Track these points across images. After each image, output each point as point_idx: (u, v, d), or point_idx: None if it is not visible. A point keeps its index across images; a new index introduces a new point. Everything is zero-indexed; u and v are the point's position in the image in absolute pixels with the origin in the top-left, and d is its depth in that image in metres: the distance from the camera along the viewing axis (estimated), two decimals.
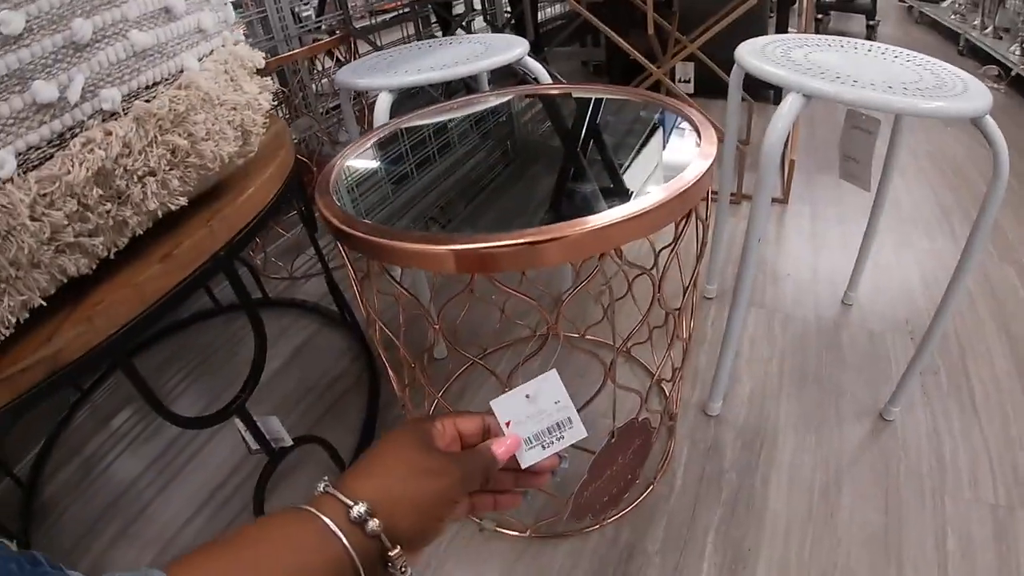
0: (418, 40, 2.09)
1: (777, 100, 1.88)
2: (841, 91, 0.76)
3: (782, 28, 1.99)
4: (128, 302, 0.61)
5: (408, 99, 1.88)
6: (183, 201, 0.65)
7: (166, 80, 0.61)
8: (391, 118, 0.91)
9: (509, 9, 2.20)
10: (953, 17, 2.97)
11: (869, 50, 0.94)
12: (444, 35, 2.00)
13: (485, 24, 2.31)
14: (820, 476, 0.92)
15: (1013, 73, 2.28)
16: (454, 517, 0.41)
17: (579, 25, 1.60)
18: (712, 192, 1.45)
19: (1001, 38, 2.52)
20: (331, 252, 1.54)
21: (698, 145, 0.66)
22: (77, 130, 0.55)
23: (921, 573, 0.80)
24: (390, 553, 0.35)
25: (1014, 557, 0.81)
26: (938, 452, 0.96)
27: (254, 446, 0.82)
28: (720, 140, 0.96)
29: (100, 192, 0.57)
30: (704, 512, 0.89)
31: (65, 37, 0.51)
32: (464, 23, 2.12)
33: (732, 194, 1.49)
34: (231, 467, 1.04)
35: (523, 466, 0.46)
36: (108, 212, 0.59)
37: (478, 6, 2.36)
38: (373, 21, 1.93)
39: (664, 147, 0.81)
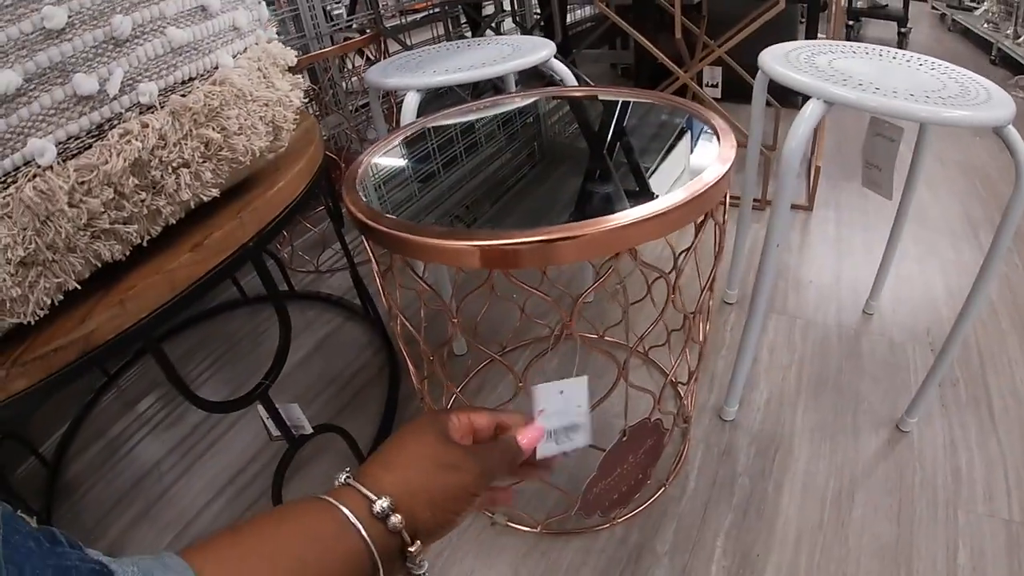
0: (447, 40, 2.11)
1: None
2: (863, 98, 0.76)
3: (811, 34, 1.97)
4: (159, 288, 0.63)
5: (436, 99, 1.90)
6: (215, 192, 0.67)
7: (201, 76, 0.63)
8: (418, 117, 0.93)
9: (538, 11, 2.21)
10: (985, 26, 2.91)
11: (894, 57, 0.94)
12: (473, 36, 2.02)
13: (514, 25, 2.32)
14: (833, 485, 0.92)
15: None
16: (470, 511, 0.41)
17: (608, 28, 1.60)
18: (734, 197, 1.45)
19: None
20: (356, 247, 1.57)
21: (717, 149, 0.67)
22: (115, 122, 0.57)
23: None
24: (410, 549, 0.35)
25: None
26: (954, 464, 0.94)
27: (275, 432, 0.84)
28: (743, 145, 0.97)
29: (136, 182, 0.59)
30: (715, 516, 0.89)
31: (106, 32, 0.54)
32: (493, 24, 2.13)
33: (756, 200, 1.48)
34: (251, 454, 1.07)
35: (538, 457, 0.47)
36: (143, 201, 0.61)
37: (507, 7, 2.37)
38: (403, 20, 1.96)
39: (684, 151, 0.81)
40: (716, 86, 1.61)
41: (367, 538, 0.33)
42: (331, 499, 0.34)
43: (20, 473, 1.12)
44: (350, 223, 0.70)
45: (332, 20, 1.63)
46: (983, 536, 0.84)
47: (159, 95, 0.59)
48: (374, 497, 0.35)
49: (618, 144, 0.87)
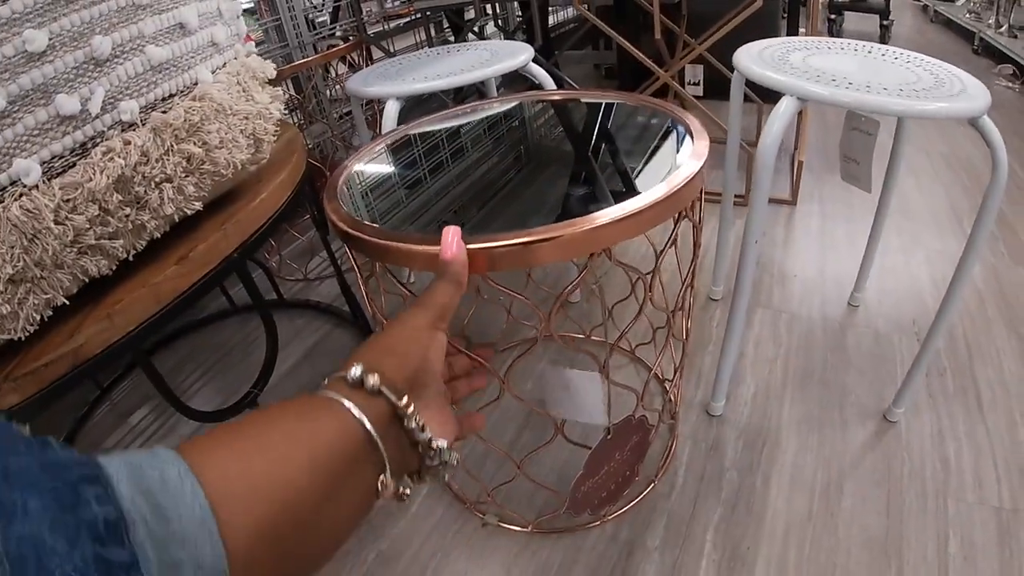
0: (430, 46, 2.12)
1: None
2: (836, 94, 0.77)
3: (793, 29, 1.98)
4: (145, 301, 0.64)
5: (420, 104, 1.91)
6: (198, 206, 0.68)
7: (181, 92, 0.64)
8: (400, 123, 0.94)
9: (520, 13, 2.23)
10: (968, 16, 2.94)
11: (869, 52, 0.95)
12: (456, 40, 2.03)
13: (496, 29, 2.34)
14: (821, 477, 0.93)
15: None
16: (436, 359, 0.41)
17: (590, 28, 1.62)
18: (715, 193, 1.46)
19: (1016, 37, 2.49)
20: (343, 255, 1.58)
21: (691, 147, 0.68)
22: (98, 140, 0.58)
23: None
24: (399, 403, 0.34)
25: (1017, 561, 0.80)
26: (942, 454, 0.95)
27: None
28: (722, 142, 0.98)
29: (120, 198, 0.60)
30: (704, 510, 0.90)
31: (86, 53, 0.55)
32: (476, 28, 2.14)
33: (738, 196, 1.49)
34: None
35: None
36: (127, 216, 0.62)
37: (489, 11, 2.38)
38: (386, 27, 1.97)
39: (659, 151, 0.82)
40: (698, 84, 1.62)
41: (351, 408, 0.32)
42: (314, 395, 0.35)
43: None
44: (334, 233, 0.71)
45: (315, 29, 1.64)
46: (973, 524, 0.85)
47: (140, 112, 0.60)
48: (343, 372, 0.35)
49: (588, 146, 0.89)
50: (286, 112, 0.83)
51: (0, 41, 0.50)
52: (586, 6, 1.58)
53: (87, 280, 0.63)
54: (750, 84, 0.88)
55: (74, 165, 0.58)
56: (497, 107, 0.94)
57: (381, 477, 0.33)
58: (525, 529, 0.89)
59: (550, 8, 2.26)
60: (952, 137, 1.96)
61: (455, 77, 0.97)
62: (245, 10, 1.60)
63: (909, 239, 1.47)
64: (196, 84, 0.65)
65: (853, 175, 1.01)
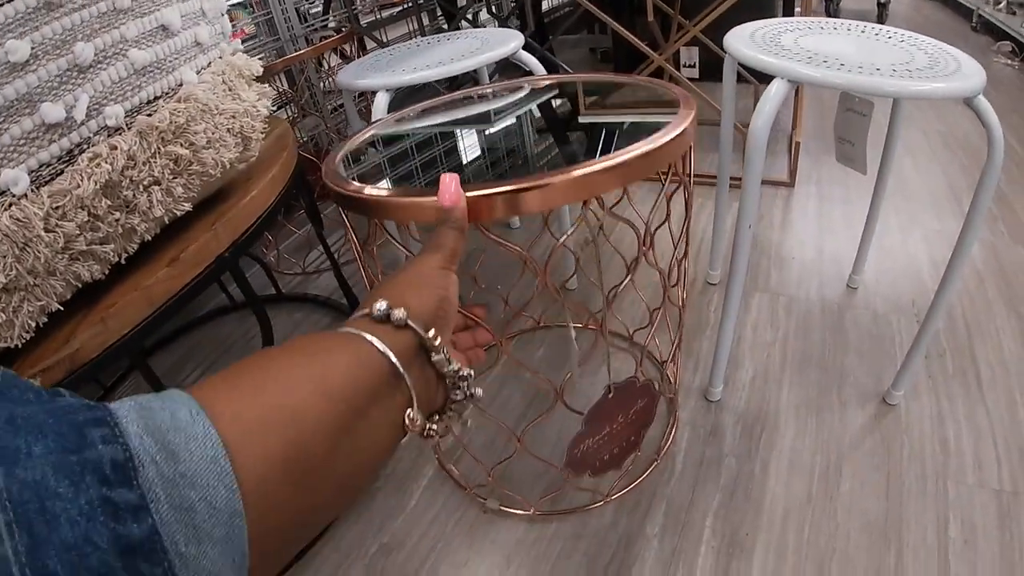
0: (423, 35, 2.11)
1: None
2: (827, 76, 0.77)
3: (789, 9, 1.96)
4: (138, 304, 0.65)
5: (414, 93, 1.89)
6: (188, 207, 0.68)
7: (166, 94, 0.64)
8: (393, 111, 0.93)
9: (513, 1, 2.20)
10: None
11: (862, 31, 0.94)
12: (448, 27, 2.01)
13: (489, 16, 2.31)
14: (820, 461, 0.93)
15: None
16: (455, 291, 0.41)
17: (585, 12, 1.60)
18: (711, 176, 1.45)
19: (1015, 13, 2.46)
20: (339, 248, 1.58)
21: (677, 114, 0.67)
22: (84, 146, 0.58)
23: (921, 559, 0.80)
24: (427, 336, 0.34)
25: (1017, 543, 0.81)
26: (942, 436, 0.96)
27: None
28: (716, 123, 0.98)
29: (108, 203, 0.60)
30: (703, 497, 0.90)
31: (69, 60, 0.54)
32: (469, 15, 2.12)
33: (734, 178, 1.49)
34: None
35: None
36: (117, 221, 0.62)
37: None
38: (379, 16, 1.95)
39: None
40: (694, 66, 1.60)
41: (372, 340, 0.32)
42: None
43: None
44: (330, 227, 0.70)
45: (307, 21, 1.62)
46: (973, 507, 0.85)
47: (125, 116, 0.60)
48: (367, 309, 0.34)
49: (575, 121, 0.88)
50: (274, 109, 0.82)
51: None
52: None
53: (80, 285, 0.63)
54: (745, 65, 0.88)
55: (62, 172, 0.58)
56: (490, 94, 0.94)
57: (408, 411, 0.33)
58: (527, 512, 0.89)
59: None
60: (949, 116, 1.94)
61: (444, 67, 0.97)
62: (236, 4, 1.59)
63: (907, 219, 1.46)
64: (181, 85, 0.65)
65: (848, 156, 1.01)
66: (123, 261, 0.66)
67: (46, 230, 0.56)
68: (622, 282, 0.72)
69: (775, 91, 0.79)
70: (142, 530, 0.20)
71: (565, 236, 0.64)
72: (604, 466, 0.83)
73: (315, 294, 1.48)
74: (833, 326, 1.17)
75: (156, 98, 0.63)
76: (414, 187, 0.60)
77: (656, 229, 0.69)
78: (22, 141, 0.55)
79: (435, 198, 0.48)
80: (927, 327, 0.92)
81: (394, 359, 0.32)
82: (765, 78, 0.81)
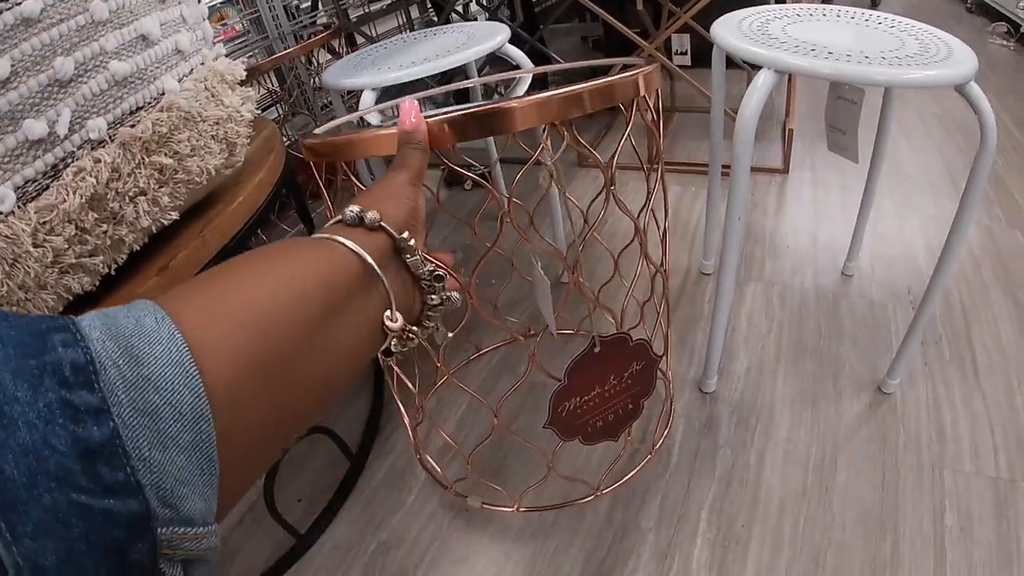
0: (411, 29, 2.09)
1: None
2: (816, 65, 0.76)
3: None
4: None
5: (407, 86, 1.88)
6: (175, 216, 0.68)
7: (148, 104, 0.63)
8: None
9: None
10: None
11: (852, 18, 0.93)
12: (438, 19, 2.00)
13: (479, 7, 2.29)
14: (816, 452, 0.94)
15: (1022, 30, 2.20)
16: (423, 206, 0.41)
17: (575, 0, 1.59)
18: (702, 165, 1.44)
19: None
20: None
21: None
22: (69, 160, 0.58)
23: (917, 548, 0.80)
24: (400, 236, 0.35)
25: (1014, 531, 0.81)
26: (938, 424, 0.96)
27: None
28: (707, 111, 0.96)
29: (95, 215, 0.60)
30: (698, 489, 0.91)
31: (49, 76, 0.54)
32: (460, 7, 2.11)
33: (725, 166, 1.48)
34: None
35: None
36: (105, 233, 0.62)
37: None
38: (368, 9, 1.93)
39: None
40: (685, 53, 1.59)
41: (344, 242, 0.32)
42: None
43: None
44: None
45: (295, 17, 1.61)
46: (970, 495, 0.86)
47: (108, 129, 0.60)
48: (340, 215, 0.34)
49: None
50: (260, 112, 0.82)
51: None
52: None
53: (72, 298, 0.63)
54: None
55: (47, 187, 0.58)
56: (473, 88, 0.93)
57: (387, 312, 0.33)
58: (511, 509, 0.89)
59: None
60: (945, 98, 1.93)
61: (430, 63, 0.96)
62: (225, 1, 1.58)
63: (903, 204, 1.45)
64: (163, 94, 0.65)
65: (840, 145, 1.00)
66: (113, 272, 0.66)
67: (35, 245, 0.57)
68: (600, 215, 0.69)
69: (762, 82, 0.78)
70: (102, 433, 0.20)
71: (534, 156, 0.64)
72: (597, 433, 0.79)
73: None
74: (828, 315, 1.17)
75: (138, 108, 0.63)
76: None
77: (641, 211, 0.68)
78: (6, 158, 0.55)
79: (396, 129, 0.49)
80: (922, 313, 0.92)
81: (369, 259, 0.32)
82: (757, 64, 0.81)
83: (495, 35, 1.03)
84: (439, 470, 0.97)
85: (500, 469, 0.97)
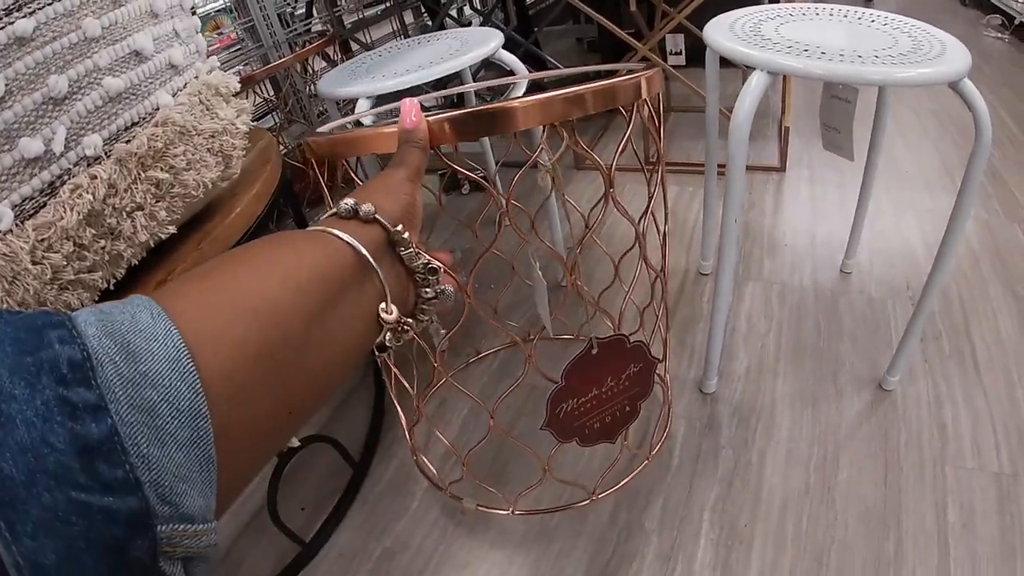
0: (405, 34, 2.09)
1: None
2: (809, 66, 0.76)
3: None
4: None
5: (403, 91, 1.89)
6: (172, 229, 0.68)
7: (143, 119, 0.64)
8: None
9: None
10: None
11: (845, 16, 0.93)
12: (433, 23, 2.00)
13: (472, 11, 2.29)
14: (817, 451, 0.94)
15: (1017, 22, 2.21)
16: (420, 202, 0.42)
17: (569, 2, 1.59)
18: (699, 164, 1.43)
19: None
20: None
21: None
22: (65, 177, 0.58)
23: (920, 546, 0.81)
24: (394, 229, 0.35)
25: (1017, 526, 0.81)
26: (939, 420, 0.96)
27: None
28: (702, 110, 0.96)
29: (93, 232, 0.60)
30: (700, 489, 0.91)
31: (43, 94, 0.54)
32: (453, 12, 2.11)
33: (721, 166, 1.49)
34: None
35: None
36: (103, 248, 0.62)
37: None
38: (362, 15, 1.94)
39: None
40: (680, 53, 1.59)
41: (339, 234, 0.32)
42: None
43: None
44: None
45: (289, 25, 1.61)
46: (972, 491, 0.86)
47: (104, 145, 0.60)
48: (335, 209, 0.35)
49: None
50: (255, 122, 0.82)
51: None
52: None
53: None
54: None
55: (45, 205, 0.58)
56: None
57: (382, 304, 0.33)
58: (506, 512, 0.88)
59: None
60: (940, 93, 1.90)
61: (424, 71, 0.96)
62: (220, 9, 1.58)
63: (900, 200, 1.45)
64: (157, 109, 0.65)
65: (835, 144, 1.00)
66: (112, 287, 0.66)
67: (33, 263, 0.57)
68: (594, 203, 0.71)
69: (755, 84, 0.78)
70: (100, 430, 0.20)
71: (526, 165, 0.64)
72: (594, 435, 0.79)
73: None
74: (827, 313, 1.18)
75: (133, 124, 0.63)
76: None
77: (642, 217, 0.68)
78: (3, 177, 0.55)
79: (396, 127, 0.49)
80: (921, 309, 0.92)
81: (363, 250, 0.32)
82: (750, 66, 0.81)
83: (489, 41, 1.03)
84: (434, 471, 0.97)
85: (502, 473, 0.97)
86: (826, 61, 0.76)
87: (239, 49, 1.57)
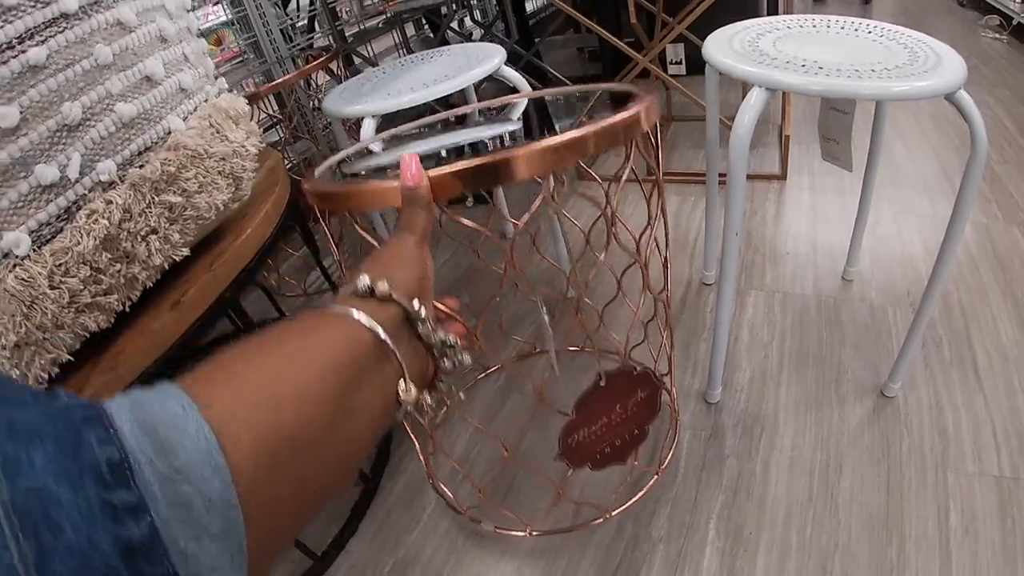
0: (407, 48, 2.11)
1: None
2: (806, 82, 0.78)
3: (772, 7, 1.96)
4: (146, 349, 0.67)
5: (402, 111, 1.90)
6: (185, 252, 0.70)
7: (156, 144, 0.65)
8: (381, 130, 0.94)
9: (497, 2, 2.20)
10: None
11: (841, 28, 0.95)
12: (434, 36, 2.02)
13: (473, 24, 2.31)
14: (820, 458, 0.95)
15: (1015, 22, 2.22)
16: (431, 268, 0.42)
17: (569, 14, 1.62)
18: (700, 174, 1.44)
19: None
20: (335, 270, 1.59)
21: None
22: (81, 203, 0.60)
23: (922, 551, 0.81)
24: (411, 307, 0.35)
25: (1019, 530, 0.82)
26: (940, 426, 0.97)
27: None
28: (702, 119, 0.97)
29: (109, 256, 0.62)
30: (706, 499, 0.92)
31: (57, 121, 0.56)
32: (454, 25, 2.13)
33: (722, 175, 1.50)
34: None
35: None
36: (119, 272, 0.64)
37: (466, 3, 2.35)
38: (362, 27, 1.95)
39: None
40: (680, 63, 1.61)
41: (359, 316, 0.32)
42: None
43: None
44: (324, 249, 0.71)
45: (292, 40, 1.63)
46: (974, 496, 0.87)
47: (118, 170, 0.61)
48: (352, 285, 0.35)
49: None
50: (262, 145, 0.84)
51: None
52: None
53: (88, 335, 0.65)
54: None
55: (61, 230, 0.59)
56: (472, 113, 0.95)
57: (400, 383, 0.34)
58: (523, 534, 0.90)
59: None
60: (938, 98, 1.94)
61: (427, 90, 0.98)
62: (224, 24, 1.60)
63: (900, 206, 1.46)
64: (169, 133, 0.66)
65: (833, 154, 1.01)
66: (127, 309, 0.67)
67: (51, 287, 0.58)
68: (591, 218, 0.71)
69: (754, 100, 0.80)
70: (141, 530, 0.20)
71: (526, 216, 0.65)
72: (605, 459, 0.82)
73: None
74: (829, 321, 1.19)
75: (146, 149, 0.64)
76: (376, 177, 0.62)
77: (641, 235, 0.69)
78: (20, 204, 0.56)
79: (399, 182, 0.49)
80: (921, 316, 0.93)
81: (382, 333, 0.32)
82: (749, 83, 0.82)
83: (492, 57, 1.05)
84: (451, 495, 0.98)
85: (511, 488, 0.98)
86: (823, 77, 0.78)
87: (241, 62, 1.58)
